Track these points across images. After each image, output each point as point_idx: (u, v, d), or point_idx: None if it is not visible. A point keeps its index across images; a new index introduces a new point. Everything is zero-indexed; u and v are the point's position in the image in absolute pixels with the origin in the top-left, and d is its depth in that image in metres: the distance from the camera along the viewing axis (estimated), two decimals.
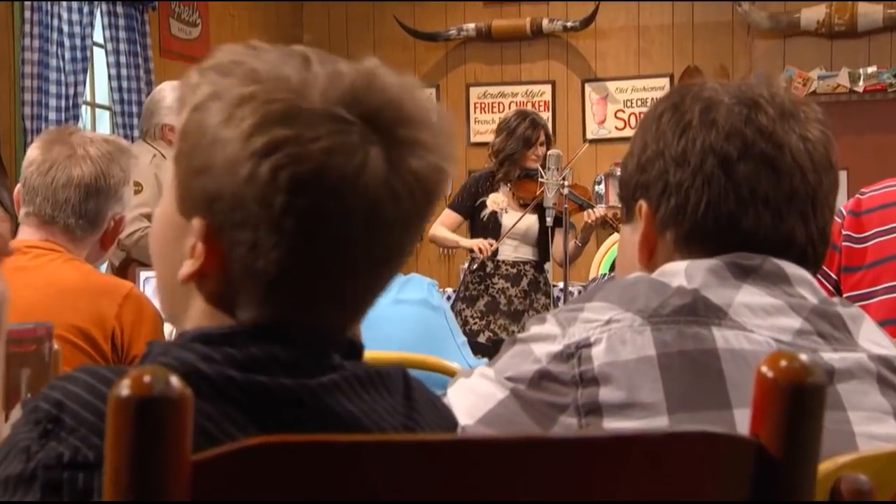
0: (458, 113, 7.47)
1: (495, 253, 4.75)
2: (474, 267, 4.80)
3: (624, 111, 7.43)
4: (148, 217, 4.06)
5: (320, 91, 0.87)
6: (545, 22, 7.41)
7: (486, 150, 5.01)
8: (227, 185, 0.87)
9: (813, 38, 7.06)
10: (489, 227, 4.77)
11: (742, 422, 1.06)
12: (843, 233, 2.23)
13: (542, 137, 4.81)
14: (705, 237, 1.21)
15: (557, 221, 4.55)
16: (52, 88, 5.20)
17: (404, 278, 2.49)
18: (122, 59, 5.75)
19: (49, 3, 5.22)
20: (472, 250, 4.74)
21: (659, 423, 1.09)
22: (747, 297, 1.16)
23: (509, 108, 7.16)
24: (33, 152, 2.23)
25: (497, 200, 4.77)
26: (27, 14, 5.13)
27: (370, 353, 1.06)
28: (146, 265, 3.84)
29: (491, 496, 0.76)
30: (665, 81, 7.29)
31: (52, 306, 2.05)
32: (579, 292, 5.19)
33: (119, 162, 2.22)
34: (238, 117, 0.86)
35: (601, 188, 7.32)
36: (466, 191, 4.87)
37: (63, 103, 5.25)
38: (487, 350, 4.17)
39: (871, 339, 1.20)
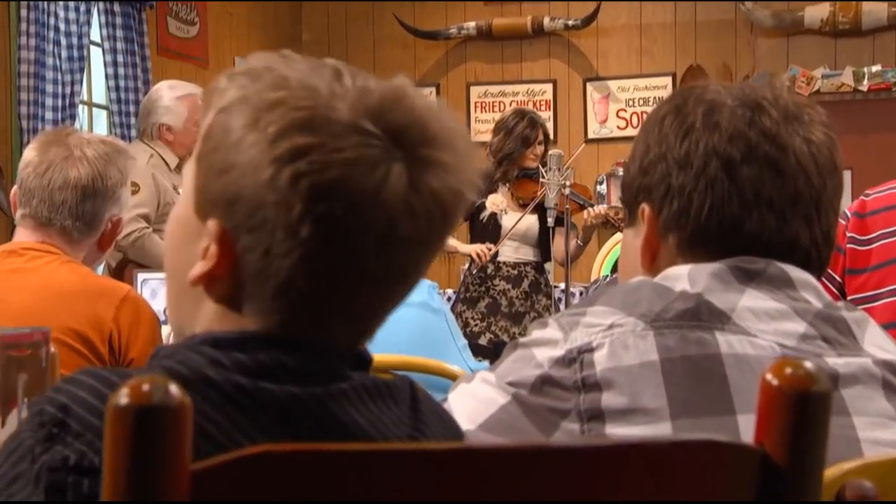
0: (458, 112, 7.44)
1: (496, 254, 4.74)
2: (475, 268, 4.78)
3: (626, 110, 7.41)
4: (145, 217, 4.05)
5: (348, 103, 0.88)
6: (546, 20, 7.40)
7: (485, 151, 5.00)
8: (247, 188, 0.87)
9: (817, 37, 7.03)
10: (489, 229, 4.75)
11: (746, 427, 1.06)
12: (848, 235, 2.22)
13: (541, 136, 4.79)
14: (708, 241, 1.20)
15: (558, 221, 4.54)
16: (49, 88, 5.18)
17: None
18: (120, 58, 5.72)
19: (45, 1, 5.19)
20: (470, 256, 4.72)
21: (662, 428, 1.08)
22: (751, 302, 1.16)
23: (510, 107, 7.13)
24: (30, 154, 2.22)
25: (496, 201, 4.75)
26: (23, 13, 5.11)
27: None
28: (143, 266, 3.83)
29: None
30: (667, 80, 7.28)
31: (48, 309, 2.04)
32: (581, 293, 5.19)
33: (116, 163, 2.21)
34: (264, 121, 0.87)
35: (603, 188, 7.30)
36: None
37: (60, 103, 5.23)
38: (488, 352, 4.16)
39: (877, 343, 1.19)
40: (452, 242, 4.82)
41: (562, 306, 4.70)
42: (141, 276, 3.07)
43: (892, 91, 6.91)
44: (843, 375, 1.14)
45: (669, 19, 7.34)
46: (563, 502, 0.77)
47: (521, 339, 1.18)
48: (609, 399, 1.10)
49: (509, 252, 4.80)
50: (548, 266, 4.95)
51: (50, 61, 5.20)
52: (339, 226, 0.86)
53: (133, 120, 5.52)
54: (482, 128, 7.42)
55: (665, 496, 0.80)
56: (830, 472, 0.92)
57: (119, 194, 2.23)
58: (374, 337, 0.96)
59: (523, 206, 4.74)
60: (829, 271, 2.19)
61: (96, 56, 5.83)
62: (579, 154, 5.20)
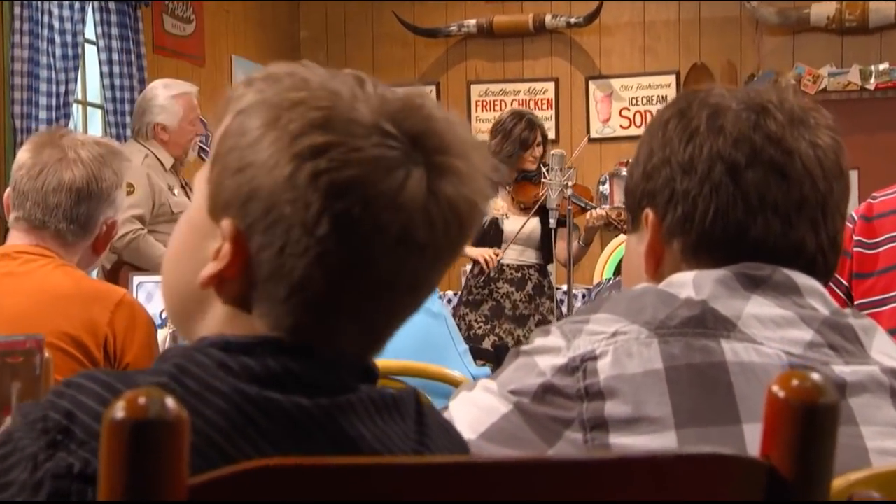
0: (458, 111, 7.42)
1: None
2: (476, 271, 4.76)
3: (629, 109, 7.39)
4: (140, 218, 4.03)
5: (370, 106, 0.88)
6: (548, 18, 7.39)
7: None
8: (264, 185, 0.87)
9: (823, 35, 7.01)
10: (490, 234, 4.70)
11: (751, 437, 1.05)
12: (855, 238, 2.20)
13: (539, 138, 4.75)
14: (713, 246, 1.19)
15: (560, 222, 4.52)
16: (43, 87, 5.14)
17: None
18: (115, 56, 5.68)
19: (39, 0, 5.16)
20: (476, 261, 4.69)
21: (666, 438, 1.07)
22: (757, 309, 1.15)
23: (511, 106, 7.11)
24: (23, 155, 2.20)
25: (496, 206, 4.71)
26: (17, 11, 5.07)
27: None
28: (138, 268, 3.81)
29: None
30: (671, 79, 7.26)
31: (42, 313, 2.03)
32: (583, 296, 5.17)
33: (111, 165, 2.20)
34: (285, 119, 0.87)
35: (605, 188, 7.27)
36: None
37: (54, 102, 5.19)
38: (492, 356, 4.14)
39: (884, 351, 1.18)
40: None
41: (564, 308, 4.69)
42: (136, 278, 3.05)
43: None
44: (850, 384, 1.13)
45: (673, 16, 7.31)
46: None
47: (524, 347, 1.17)
48: (613, 408, 1.09)
49: (513, 255, 4.77)
50: (550, 268, 4.93)
51: (44, 60, 5.15)
52: (355, 225, 0.86)
53: (128, 119, 5.47)
54: (483, 127, 7.40)
55: None
56: (838, 483, 0.92)
57: (114, 196, 2.21)
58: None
59: (523, 210, 4.71)
60: (836, 275, 2.17)
61: (91, 54, 5.79)
62: (582, 153, 5.18)
